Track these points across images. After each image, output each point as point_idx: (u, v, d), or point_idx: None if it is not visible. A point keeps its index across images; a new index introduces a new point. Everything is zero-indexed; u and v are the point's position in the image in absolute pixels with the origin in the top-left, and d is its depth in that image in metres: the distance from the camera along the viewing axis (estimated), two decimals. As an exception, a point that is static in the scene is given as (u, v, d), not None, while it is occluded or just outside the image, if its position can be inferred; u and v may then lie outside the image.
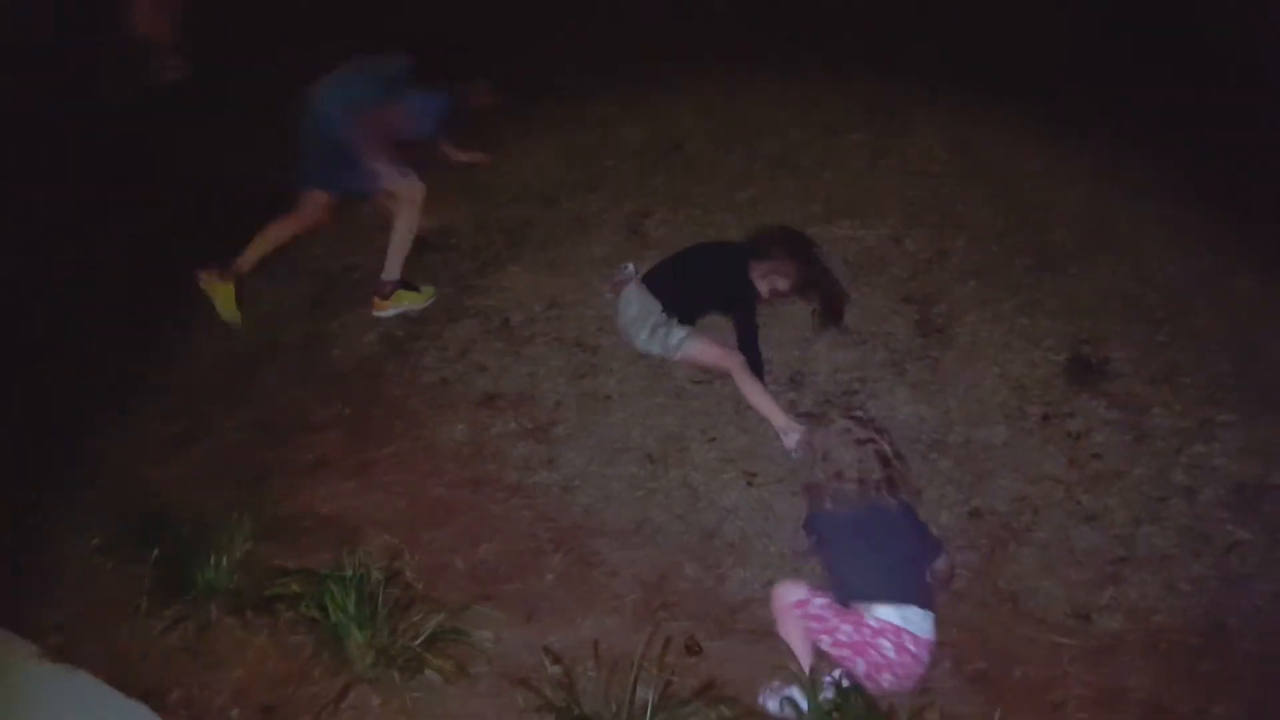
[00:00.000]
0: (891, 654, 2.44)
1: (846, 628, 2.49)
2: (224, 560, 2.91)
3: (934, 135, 4.70)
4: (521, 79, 5.91)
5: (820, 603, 2.56)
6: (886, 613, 2.48)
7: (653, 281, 3.77)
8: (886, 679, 2.46)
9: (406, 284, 4.29)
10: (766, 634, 2.76)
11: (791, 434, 3.33)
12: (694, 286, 3.77)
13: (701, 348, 3.63)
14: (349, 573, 2.73)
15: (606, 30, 6.17)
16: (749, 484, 3.30)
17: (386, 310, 4.26)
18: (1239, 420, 3.35)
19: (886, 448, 2.70)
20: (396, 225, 4.24)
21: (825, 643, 2.52)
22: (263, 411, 3.96)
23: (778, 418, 3.41)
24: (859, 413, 3.04)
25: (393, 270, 4.26)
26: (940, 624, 2.57)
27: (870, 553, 2.60)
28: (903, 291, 4.00)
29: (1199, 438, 3.31)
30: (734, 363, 3.54)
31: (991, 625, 2.81)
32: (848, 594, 2.56)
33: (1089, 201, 4.26)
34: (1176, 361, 3.56)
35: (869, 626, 2.47)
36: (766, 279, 3.72)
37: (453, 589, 2.95)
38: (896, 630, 2.45)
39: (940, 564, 2.74)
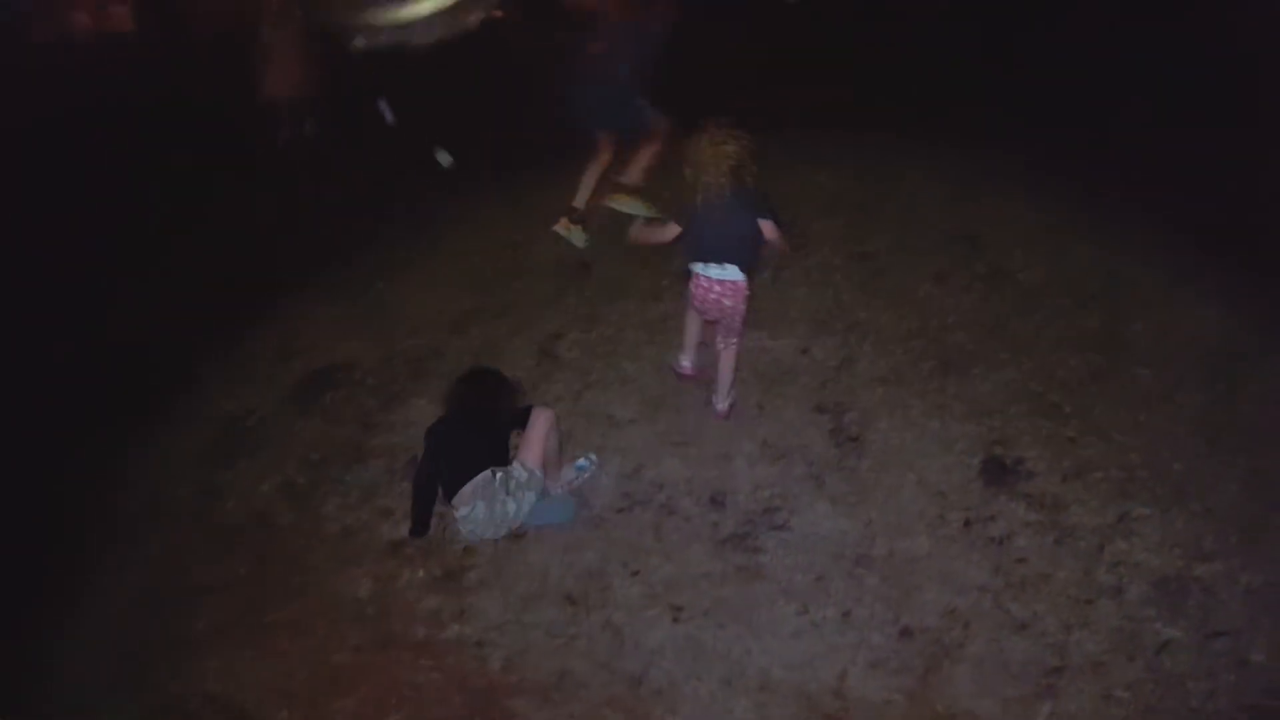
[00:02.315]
0: (695, 290, 3.75)
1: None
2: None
3: (830, 247, 4.80)
4: (425, 204, 5.95)
5: None
6: (697, 268, 3.71)
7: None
8: (698, 307, 3.82)
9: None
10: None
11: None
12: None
13: (533, 445, 3.53)
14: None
15: (510, 152, 6.24)
16: (675, 620, 3.15)
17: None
18: (1154, 513, 3.37)
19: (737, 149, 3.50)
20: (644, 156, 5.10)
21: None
22: (149, 575, 3.69)
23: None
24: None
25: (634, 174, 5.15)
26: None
27: (703, 232, 3.63)
28: (814, 401, 4.00)
29: (1118, 534, 3.31)
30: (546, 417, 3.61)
31: (935, 755, 2.70)
32: (686, 261, 3.76)
33: (982, 305, 4.36)
34: (1087, 457, 3.59)
35: (691, 281, 3.76)
36: None
37: (361, 767, 2.72)
38: (697, 277, 3.71)
39: (767, 233, 3.62)
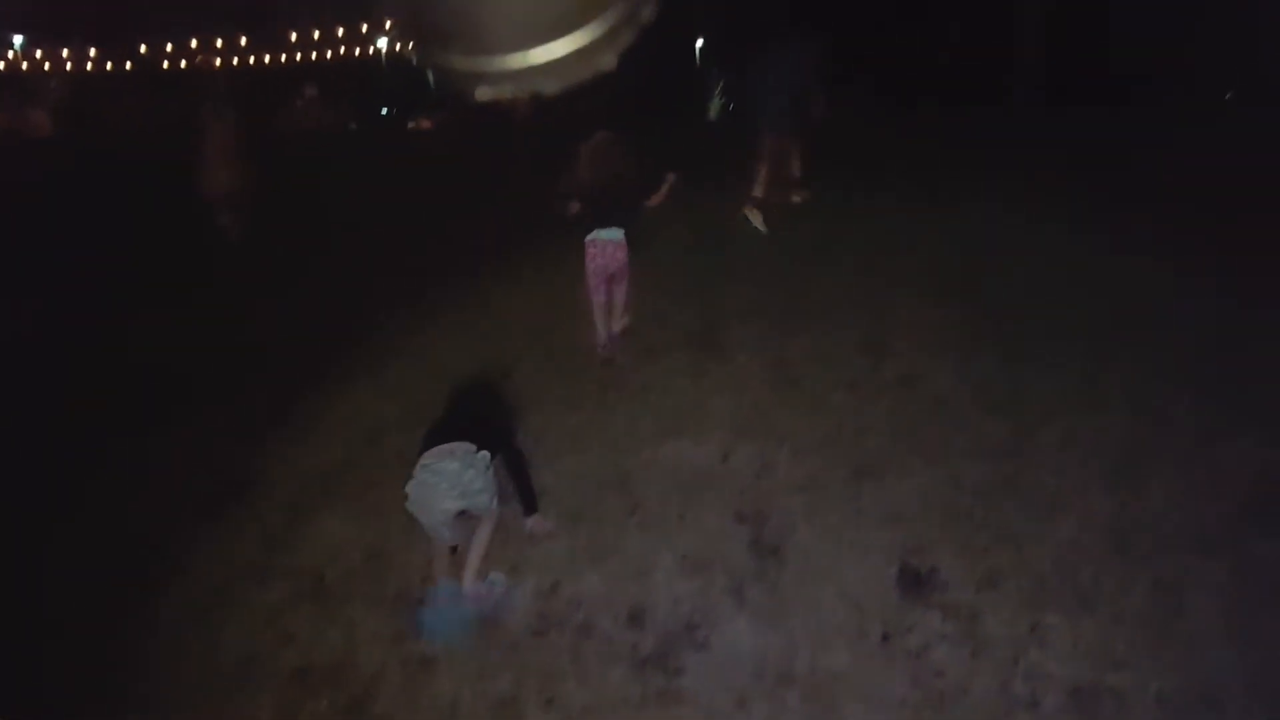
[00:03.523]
0: (594, 253, 5.00)
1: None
2: None
3: (748, 354, 4.89)
4: (340, 315, 5.90)
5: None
6: (593, 235, 5.02)
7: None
8: (593, 267, 5.03)
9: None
10: None
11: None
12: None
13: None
14: None
15: (431, 261, 6.26)
16: (590, 751, 3.04)
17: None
18: (1065, 621, 3.40)
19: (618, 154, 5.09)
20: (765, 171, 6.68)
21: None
22: (42, 702, 3.42)
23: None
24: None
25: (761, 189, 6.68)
26: None
27: (595, 210, 5.02)
28: (734, 509, 3.99)
29: (1032, 643, 3.33)
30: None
31: None
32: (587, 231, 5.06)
33: (893, 412, 4.45)
34: (998, 565, 3.63)
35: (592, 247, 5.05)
36: None
37: None
38: (592, 240, 5.00)
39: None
